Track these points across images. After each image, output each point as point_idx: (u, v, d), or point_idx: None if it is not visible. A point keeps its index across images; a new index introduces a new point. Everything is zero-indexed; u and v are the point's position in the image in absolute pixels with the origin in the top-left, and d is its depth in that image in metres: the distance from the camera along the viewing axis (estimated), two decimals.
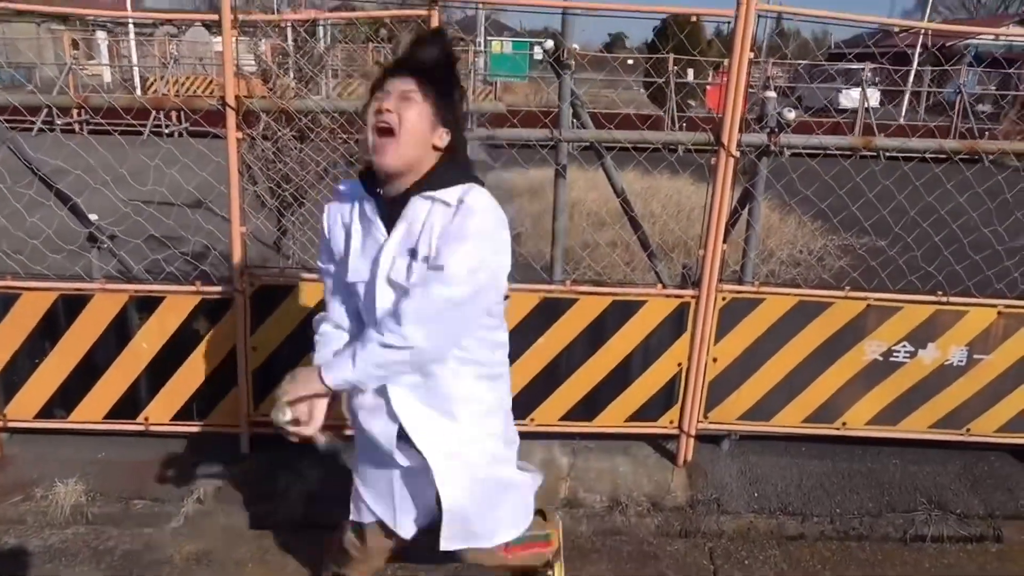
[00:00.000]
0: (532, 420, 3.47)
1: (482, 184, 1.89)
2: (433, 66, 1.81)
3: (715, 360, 3.43)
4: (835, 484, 3.59)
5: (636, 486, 3.54)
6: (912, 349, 3.47)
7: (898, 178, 3.88)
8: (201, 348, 3.26)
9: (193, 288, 3.21)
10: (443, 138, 1.85)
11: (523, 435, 3.60)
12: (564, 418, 3.50)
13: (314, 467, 3.37)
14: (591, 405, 3.48)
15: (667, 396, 3.48)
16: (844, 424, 3.59)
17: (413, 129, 1.79)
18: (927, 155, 3.45)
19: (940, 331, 3.44)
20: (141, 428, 3.35)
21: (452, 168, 1.87)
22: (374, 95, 1.82)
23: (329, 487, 3.25)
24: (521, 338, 3.30)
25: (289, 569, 2.83)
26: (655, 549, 3.10)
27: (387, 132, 1.78)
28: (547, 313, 3.29)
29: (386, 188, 1.86)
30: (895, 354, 3.47)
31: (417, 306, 1.77)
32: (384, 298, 1.87)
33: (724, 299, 3.33)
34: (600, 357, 3.38)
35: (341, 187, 1.97)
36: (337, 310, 2.03)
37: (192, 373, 3.29)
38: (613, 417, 3.51)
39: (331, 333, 2.02)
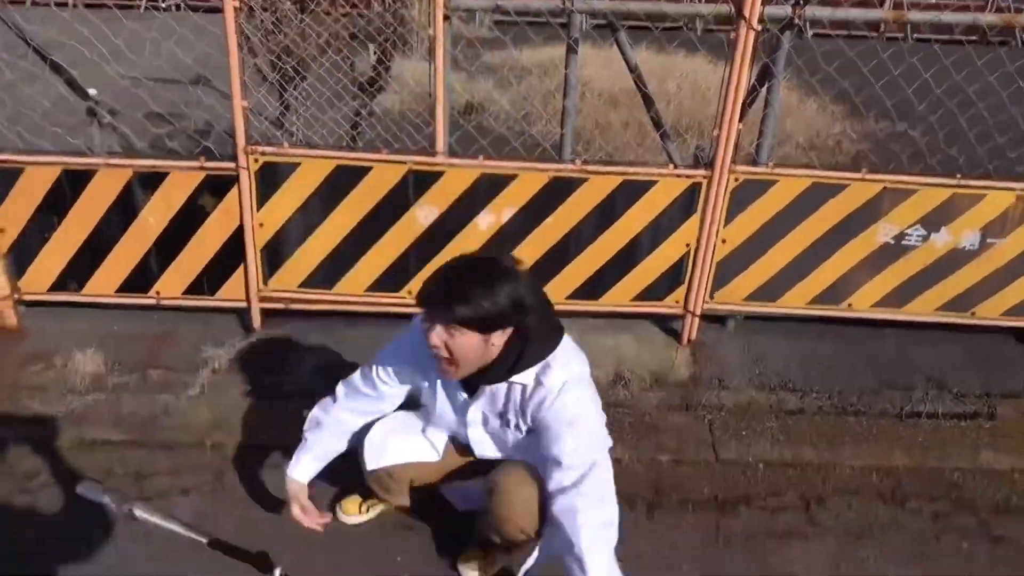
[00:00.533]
0: None
1: (556, 344, 2.02)
2: (461, 321, 1.84)
3: (724, 241, 3.41)
4: (837, 363, 3.65)
5: (640, 363, 3.60)
6: (925, 233, 3.44)
7: (925, 58, 3.71)
8: (208, 224, 3.26)
9: (197, 164, 3.18)
10: (501, 338, 1.91)
11: None
12: (571, 297, 3.52)
13: (323, 342, 3.43)
14: (598, 284, 3.49)
15: (674, 276, 3.48)
16: (850, 306, 3.61)
17: (466, 354, 1.89)
18: (957, 34, 3.28)
19: (955, 215, 3.39)
20: (153, 302, 3.41)
21: (516, 353, 1.94)
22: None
23: (336, 361, 3.33)
24: (530, 217, 3.28)
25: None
26: (656, 421, 3.19)
27: (446, 360, 1.90)
28: (556, 193, 3.25)
29: None
30: (907, 237, 3.44)
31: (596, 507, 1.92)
32: (484, 446, 2.24)
33: (737, 180, 3.28)
34: (608, 237, 3.37)
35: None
36: (353, 405, 2.29)
37: (200, 249, 3.30)
38: (619, 296, 3.53)
39: (330, 424, 2.30)
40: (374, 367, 2.21)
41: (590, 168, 3.22)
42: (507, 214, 3.25)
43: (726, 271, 3.49)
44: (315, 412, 2.32)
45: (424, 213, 3.22)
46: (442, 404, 2.20)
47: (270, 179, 3.17)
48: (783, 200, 3.32)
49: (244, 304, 3.47)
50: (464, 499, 2.47)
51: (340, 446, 2.34)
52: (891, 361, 3.68)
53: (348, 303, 3.44)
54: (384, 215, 3.22)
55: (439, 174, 3.16)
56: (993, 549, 2.61)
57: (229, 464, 2.80)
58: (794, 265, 3.48)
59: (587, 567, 1.86)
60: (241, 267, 3.36)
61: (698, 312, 3.60)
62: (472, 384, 2.06)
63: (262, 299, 3.45)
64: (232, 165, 3.14)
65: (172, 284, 3.37)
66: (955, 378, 3.59)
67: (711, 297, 3.58)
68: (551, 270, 3.41)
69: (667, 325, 3.79)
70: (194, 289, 3.41)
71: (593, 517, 1.89)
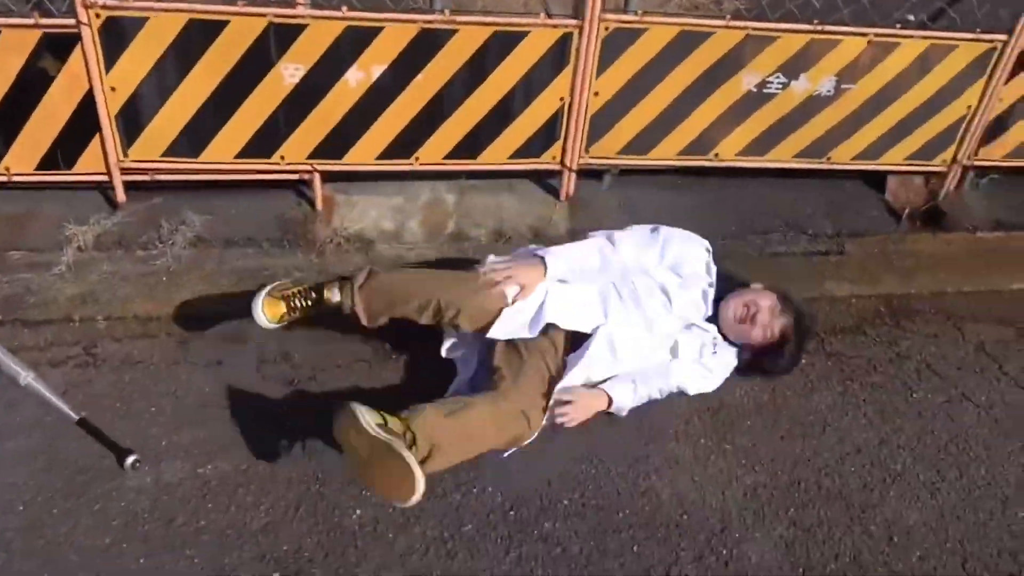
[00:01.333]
0: (417, 159, 3.48)
1: None
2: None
3: (597, 94, 3.45)
4: (704, 212, 3.84)
5: (520, 219, 3.69)
6: (785, 80, 3.58)
7: None
8: (53, 91, 3.02)
9: (31, 21, 2.91)
10: None
11: (408, 175, 3.67)
12: (448, 157, 3.52)
13: (197, 214, 3.33)
14: (474, 143, 3.50)
15: (549, 132, 3.52)
16: (716, 155, 3.77)
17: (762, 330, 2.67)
18: None
19: (813, 61, 3.53)
20: (3, 179, 3.19)
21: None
22: None
23: (209, 232, 3.25)
24: (401, 74, 3.21)
25: (177, 299, 2.90)
26: None
27: (753, 321, 2.62)
28: (426, 47, 3.18)
29: None
30: (768, 85, 3.58)
31: None
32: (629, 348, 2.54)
33: (607, 29, 3.28)
34: (483, 93, 3.34)
35: None
36: None
37: (49, 119, 3.08)
38: (496, 154, 3.55)
39: None
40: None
41: (459, 19, 3.15)
42: (377, 71, 3.17)
43: (600, 124, 3.55)
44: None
45: (289, 71, 3.09)
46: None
47: (117, 37, 2.94)
48: (652, 50, 3.36)
49: (105, 177, 3.29)
50: (465, 362, 2.56)
51: None
52: (754, 207, 3.91)
53: (217, 171, 3.33)
54: (247, 74, 3.07)
55: (302, 28, 3.02)
56: (826, 362, 2.92)
57: (99, 336, 2.75)
58: (664, 116, 3.57)
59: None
60: (97, 137, 3.16)
61: (574, 167, 3.68)
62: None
63: (123, 171, 3.28)
64: (72, 21, 2.89)
65: (23, 159, 3.15)
66: (810, 220, 3.87)
67: (586, 151, 3.66)
68: (427, 129, 3.38)
69: (546, 182, 3.86)
70: (48, 164, 3.20)
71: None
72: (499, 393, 2.19)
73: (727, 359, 2.63)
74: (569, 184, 3.75)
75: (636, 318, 2.45)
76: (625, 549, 2.13)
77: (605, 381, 2.43)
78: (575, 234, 3.65)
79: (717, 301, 2.65)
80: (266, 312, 2.41)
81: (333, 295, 2.37)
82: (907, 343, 3.04)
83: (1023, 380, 2.90)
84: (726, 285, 2.72)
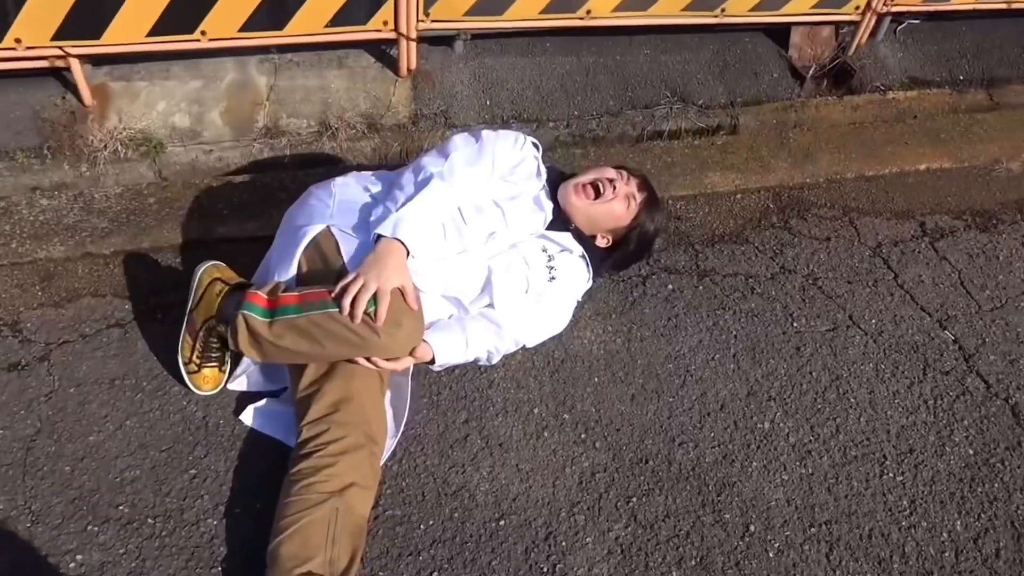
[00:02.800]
0: (204, 34, 2.67)
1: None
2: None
3: None
4: (578, 82, 3.17)
5: (351, 105, 2.96)
6: None
7: None
8: None
9: None
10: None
11: (198, 54, 2.86)
12: (245, 28, 2.71)
13: None
14: (278, 7, 2.68)
15: None
16: (589, 13, 3.03)
17: (613, 211, 2.13)
18: None
19: None
20: None
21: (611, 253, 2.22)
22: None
23: None
24: None
25: None
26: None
27: (597, 192, 2.11)
28: None
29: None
30: None
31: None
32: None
33: None
34: None
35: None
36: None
37: None
38: (308, 22, 2.75)
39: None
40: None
41: None
42: None
43: None
44: None
45: None
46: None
47: None
48: None
49: None
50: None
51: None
52: (637, 73, 3.24)
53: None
54: None
55: None
56: (696, 285, 2.41)
57: None
58: None
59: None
60: None
61: (412, 35, 2.91)
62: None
63: None
64: None
65: None
66: (701, 88, 3.23)
67: (426, 14, 2.87)
68: None
69: (386, 52, 3.10)
70: None
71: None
72: None
73: (572, 282, 2.10)
74: (409, 56, 3.00)
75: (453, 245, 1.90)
76: None
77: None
78: (419, 119, 2.97)
79: (554, 201, 2.10)
80: (200, 385, 1.94)
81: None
82: (793, 252, 2.55)
83: (919, 293, 2.47)
84: (558, 176, 2.16)
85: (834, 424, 2.09)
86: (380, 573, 1.68)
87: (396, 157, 2.90)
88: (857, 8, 3.30)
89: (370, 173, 2.10)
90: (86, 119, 2.75)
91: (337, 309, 1.67)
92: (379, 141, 2.91)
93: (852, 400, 2.14)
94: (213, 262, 1.95)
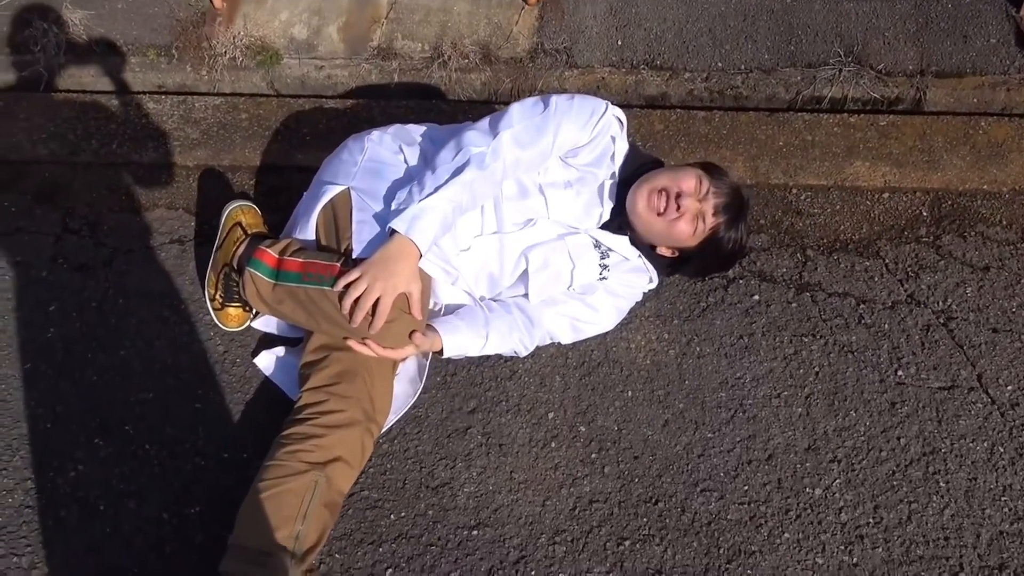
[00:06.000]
0: None
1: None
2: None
3: None
4: (731, 28, 2.68)
5: (470, 31, 2.72)
6: None
7: None
8: None
9: None
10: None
11: None
12: None
13: (78, 7, 2.65)
14: None
15: None
16: None
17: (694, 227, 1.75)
18: None
19: None
20: None
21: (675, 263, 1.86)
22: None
23: (93, 29, 2.59)
24: None
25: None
26: (468, 115, 2.45)
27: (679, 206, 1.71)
28: None
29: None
30: None
31: None
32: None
33: None
34: None
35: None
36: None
37: None
38: None
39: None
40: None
41: None
42: None
43: None
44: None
45: None
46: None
47: None
48: None
49: None
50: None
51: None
52: (809, 22, 2.68)
53: None
54: None
55: None
56: (790, 302, 1.98)
57: None
58: None
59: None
60: None
61: None
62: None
63: None
64: None
65: None
66: (887, 49, 2.61)
67: None
68: None
69: None
70: None
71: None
72: None
73: (623, 288, 1.82)
74: None
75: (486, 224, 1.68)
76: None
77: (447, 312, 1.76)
78: (536, 55, 2.69)
79: (625, 191, 1.78)
80: (225, 321, 1.91)
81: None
82: (932, 278, 2.02)
83: None
84: (636, 168, 1.82)
85: (907, 509, 1.67)
86: (336, 555, 1.60)
87: (506, 95, 2.65)
88: None
89: (415, 129, 1.89)
90: (214, 21, 2.74)
91: (332, 288, 1.54)
92: (490, 75, 2.66)
93: (942, 484, 1.70)
94: (241, 202, 1.87)
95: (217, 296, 1.85)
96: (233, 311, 1.86)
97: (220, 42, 2.69)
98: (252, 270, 1.61)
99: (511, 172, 1.67)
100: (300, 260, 1.59)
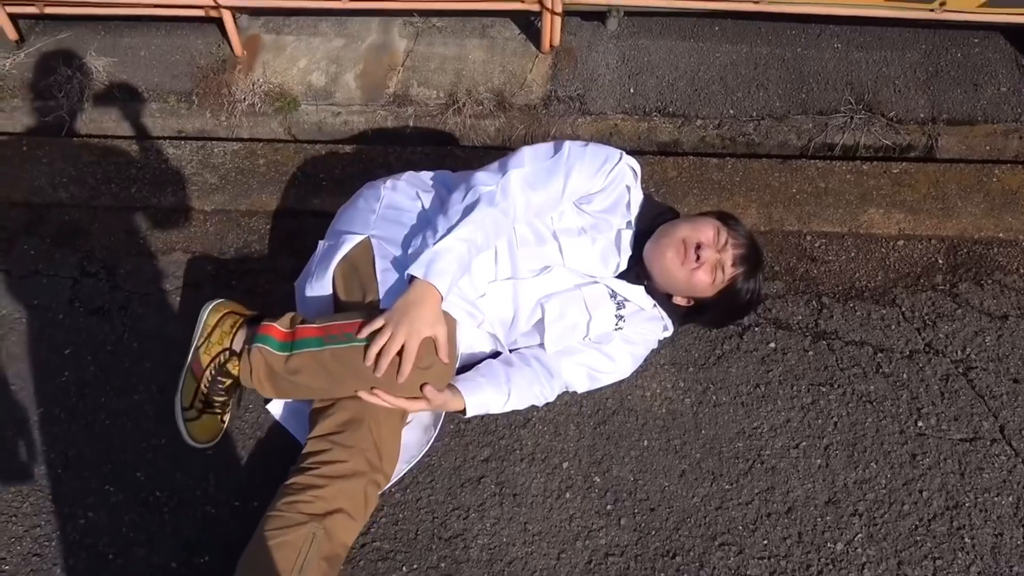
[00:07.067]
0: None
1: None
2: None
3: None
4: (742, 76, 2.70)
5: (484, 79, 2.76)
6: None
7: None
8: None
9: None
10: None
11: (348, 12, 2.78)
12: None
13: (102, 55, 2.70)
14: None
15: None
16: None
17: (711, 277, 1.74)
18: None
19: None
20: None
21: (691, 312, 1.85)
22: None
23: (116, 76, 2.64)
24: None
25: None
26: (482, 161, 2.46)
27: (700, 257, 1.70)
28: None
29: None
30: None
31: None
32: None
33: None
34: None
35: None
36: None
37: None
38: None
39: None
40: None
41: None
42: None
43: None
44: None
45: None
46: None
47: None
48: None
49: None
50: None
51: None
52: (819, 71, 2.70)
53: (121, 4, 2.65)
54: None
55: None
56: (805, 350, 1.96)
57: None
58: None
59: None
60: None
61: (557, 8, 2.62)
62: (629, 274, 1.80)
63: (5, 2, 2.67)
64: None
65: None
66: (897, 97, 2.63)
67: None
68: None
69: (532, 26, 2.84)
70: None
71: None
72: None
73: (639, 336, 1.80)
74: (552, 30, 2.72)
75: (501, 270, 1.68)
76: None
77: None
78: (550, 102, 2.71)
79: (642, 241, 1.77)
80: (197, 436, 1.81)
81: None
82: (950, 327, 2.00)
83: None
84: (652, 218, 1.81)
85: (931, 566, 1.62)
86: None
87: (519, 141, 2.67)
88: None
89: (427, 175, 1.90)
90: (234, 69, 2.79)
91: (357, 337, 1.53)
92: (504, 122, 2.68)
93: (967, 540, 1.65)
94: (219, 300, 1.83)
95: (195, 403, 1.78)
96: (208, 420, 1.79)
97: (240, 88, 2.73)
98: (261, 345, 1.59)
99: (523, 215, 1.66)
100: (316, 326, 1.58)
